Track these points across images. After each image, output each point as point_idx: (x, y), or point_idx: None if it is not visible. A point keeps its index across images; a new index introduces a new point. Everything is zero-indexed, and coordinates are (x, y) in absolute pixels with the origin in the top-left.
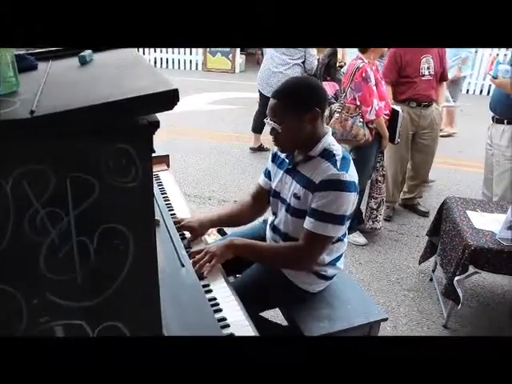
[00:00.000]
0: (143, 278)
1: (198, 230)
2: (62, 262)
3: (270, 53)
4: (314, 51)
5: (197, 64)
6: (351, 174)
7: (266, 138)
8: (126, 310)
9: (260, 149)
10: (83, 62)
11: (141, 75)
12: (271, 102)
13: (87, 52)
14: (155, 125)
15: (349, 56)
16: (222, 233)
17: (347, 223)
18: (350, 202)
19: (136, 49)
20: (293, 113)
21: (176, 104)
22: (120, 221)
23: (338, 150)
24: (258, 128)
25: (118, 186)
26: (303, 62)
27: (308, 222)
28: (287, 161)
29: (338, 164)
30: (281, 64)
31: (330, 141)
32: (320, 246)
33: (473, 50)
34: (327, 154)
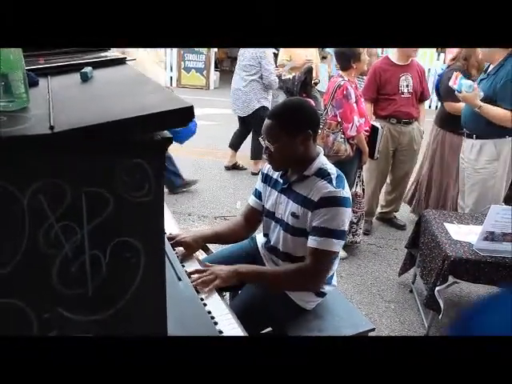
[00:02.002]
0: (152, 290)
1: (192, 246)
2: (74, 275)
3: (236, 70)
4: (270, 66)
5: (171, 80)
6: (347, 191)
7: (244, 155)
8: (135, 322)
9: (234, 167)
10: (85, 79)
11: (150, 92)
12: (266, 121)
13: (88, 69)
14: (168, 140)
15: (321, 73)
16: (206, 248)
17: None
18: (347, 217)
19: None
20: (285, 134)
21: (191, 121)
22: (133, 234)
23: (332, 168)
24: (234, 145)
25: (132, 201)
26: (261, 78)
27: (312, 241)
28: (281, 181)
29: (334, 182)
30: (240, 81)
31: (323, 160)
32: (327, 262)
33: None
34: (322, 173)
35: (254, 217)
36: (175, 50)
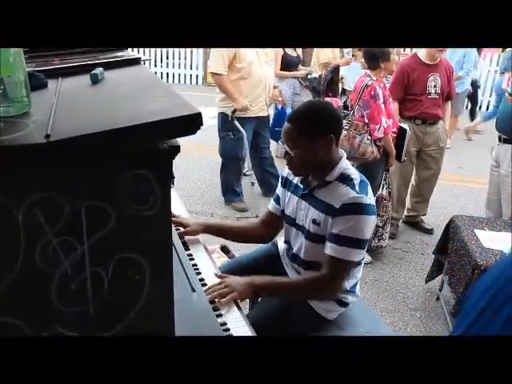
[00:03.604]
0: (158, 310)
1: (191, 227)
2: (74, 293)
3: None
4: None
5: (197, 78)
6: (370, 198)
7: None
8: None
9: None
10: (95, 81)
11: (159, 96)
12: (285, 125)
13: (99, 70)
14: (176, 149)
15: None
16: (226, 250)
17: (366, 247)
18: (370, 226)
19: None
20: (306, 138)
21: (199, 129)
22: (136, 250)
23: (355, 173)
24: None
25: (135, 214)
26: None
27: (330, 248)
28: (301, 186)
29: (357, 187)
30: None
31: (345, 165)
32: (344, 271)
33: (470, 67)
34: (345, 178)
35: (272, 221)
36: (201, 49)
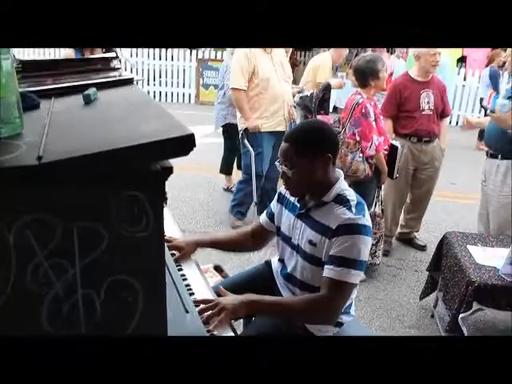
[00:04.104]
0: (151, 332)
1: (184, 249)
2: (65, 316)
3: None
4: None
5: (190, 97)
6: (367, 219)
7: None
8: None
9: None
10: (88, 102)
11: (152, 117)
12: (283, 145)
13: (91, 90)
14: (168, 170)
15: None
16: (219, 270)
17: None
18: (367, 247)
19: (139, 85)
20: (303, 158)
21: (192, 149)
22: (129, 272)
23: (352, 195)
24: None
25: (127, 236)
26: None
27: (328, 271)
28: (298, 205)
29: (354, 209)
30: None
31: (343, 186)
32: (343, 294)
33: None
34: (341, 200)
35: (261, 234)
36: (194, 67)
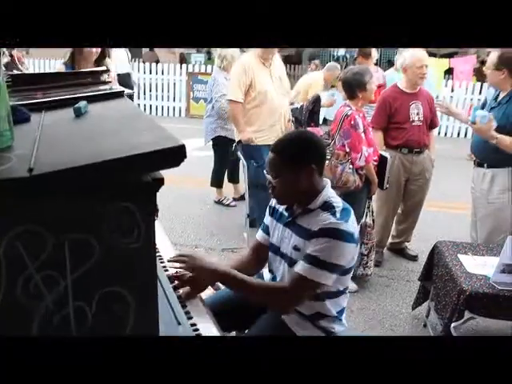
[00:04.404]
0: None
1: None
2: (56, 328)
3: None
4: (218, 93)
5: (180, 110)
6: (351, 225)
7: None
8: None
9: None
10: (78, 114)
11: (142, 129)
12: (269, 155)
13: (82, 103)
14: (159, 182)
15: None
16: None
17: (348, 275)
18: (346, 253)
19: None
20: (287, 168)
21: (183, 161)
22: (121, 284)
23: (338, 202)
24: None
25: (119, 247)
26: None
27: (299, 266)
28: (286, 214)
29: (338, 214)
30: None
31: (329, 193)
32: (305, 290)
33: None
34: (327, 206)
35: (261, 251)
36: (184, 80)
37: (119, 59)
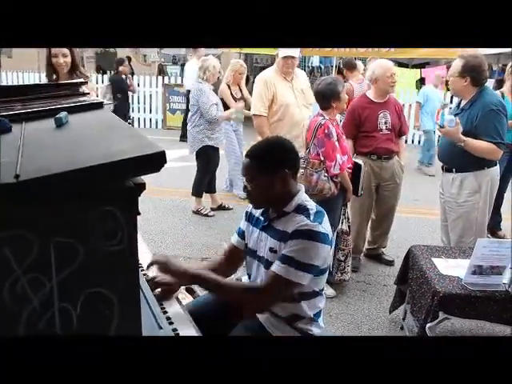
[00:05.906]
0: None
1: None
2: (42, 329)
3: None
4: (207, 101)
5: (157, 122)
6: (324, 227)
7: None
8: None
9: (220, 208)
10: (59, 124)
11: (123, 137)
12: (244, 160)
13: (63, 114)
14: (141, 187)
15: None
16: (191, 291)
17: (323, 276)
18: (321, 253)
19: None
20: (261, 173)
21: (163, 166)
22: (105, 285)
23: (312, 205)
24: (208, 188)
25: (103, 250)
26: (202, 116)
27: (275, 265)
28: (262, 218)
29: (312, 216)
30: (189, 121)
31: (303, 197)
32: (280, 289)
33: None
34: (302, 209)
35: (236, 256)
36: (160, 92)
37: None
